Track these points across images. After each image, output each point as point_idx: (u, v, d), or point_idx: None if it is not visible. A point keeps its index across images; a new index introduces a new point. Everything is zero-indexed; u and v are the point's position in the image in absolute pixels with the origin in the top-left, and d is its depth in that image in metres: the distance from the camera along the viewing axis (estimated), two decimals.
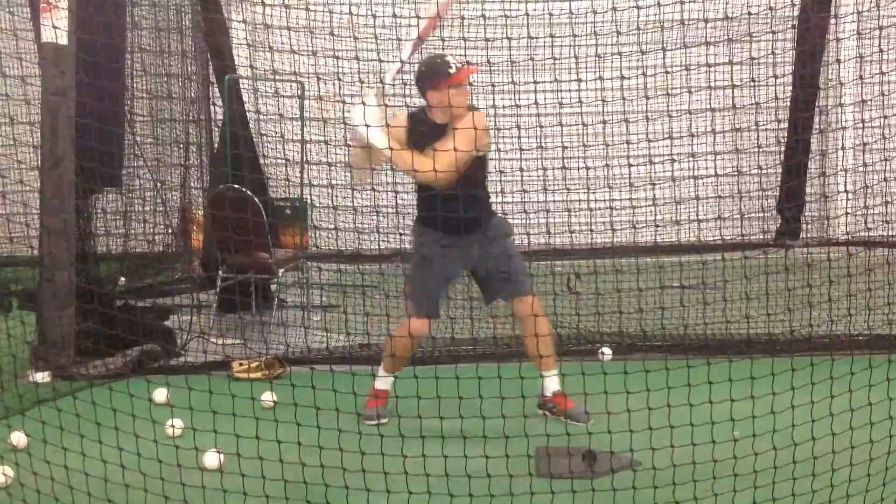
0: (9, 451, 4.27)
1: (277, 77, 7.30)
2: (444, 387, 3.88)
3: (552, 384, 4.84)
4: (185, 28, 7.98)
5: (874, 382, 3.69)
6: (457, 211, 4.41)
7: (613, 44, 4.55)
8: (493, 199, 4.79)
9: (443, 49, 4.64)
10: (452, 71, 4.53)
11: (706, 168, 5.19)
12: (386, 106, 4.31)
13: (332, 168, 5.12)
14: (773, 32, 4.73)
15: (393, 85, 4.48)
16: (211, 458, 4.14)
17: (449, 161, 4.28)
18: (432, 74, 4.57)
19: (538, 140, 4.81)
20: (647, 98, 4.44)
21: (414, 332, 4.70)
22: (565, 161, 4.94)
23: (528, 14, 4.52)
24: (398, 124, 4.66)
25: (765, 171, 7.87)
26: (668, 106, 4.68)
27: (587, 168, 4.79)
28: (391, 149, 4.35)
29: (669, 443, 3.62)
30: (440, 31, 4.47)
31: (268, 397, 4.97)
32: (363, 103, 4.36)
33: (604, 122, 4.62)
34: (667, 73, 4.48)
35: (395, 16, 4.38)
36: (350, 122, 4.40)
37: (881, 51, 4.36)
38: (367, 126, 4.34)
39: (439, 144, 4.37)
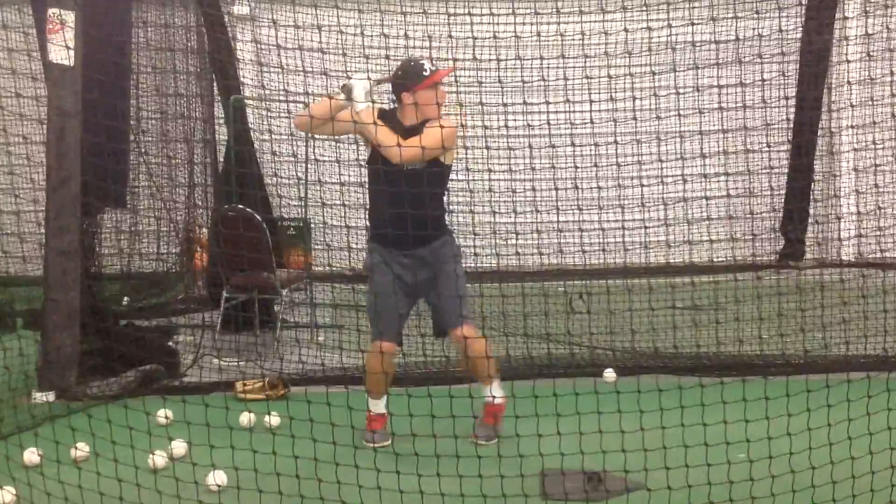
0: (20, 468, 4.23)
1: (281, 97, 7.30)
2: (438, 406, 3.87)
3: (491, 392, 4.75)
4: (190, 48, 7.99)
5: (893, 406, 3.66)
6: (405, 223, 4.47)
7: (625, 65, 4.56)
8: (507, 218, 4.78)
9: (453, 63, 4.66)
10: (427, 73, 4.64)
11: (708, 190, 5.21)
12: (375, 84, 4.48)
13: (336, 188, 5.13)
14: (783, 55, 4.74)
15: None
16: (215, 477, 4.11)
17: (415, 150, 4.45)
18: (408, 78, 4.67)
19: (551, 160, 4.82)
20: (659, 119, 4.45)
21: (375, 351, 4.74)
22: (578, 181, 4.94)
23: (539, 35, 4.54)
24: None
25: (766, 194, 7.92)
26: (679, 127, 4.69)
27: (599, 188, 4.79)
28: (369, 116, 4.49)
29: (684, 462, 3.60)
30: (453, 52, 4.50)
31: (271, 417, 4.93)
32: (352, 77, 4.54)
33: (616, 142, 4.63)
34: (678, 93, 4.49)
35: (406, 36, 4.41)
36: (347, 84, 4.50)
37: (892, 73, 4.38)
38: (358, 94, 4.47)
39: (410, 141, 4.49)
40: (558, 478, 3.91)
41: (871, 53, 5.13)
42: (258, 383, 5.83)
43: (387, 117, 4.74)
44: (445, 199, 4.85)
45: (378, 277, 4.75)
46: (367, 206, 4.81)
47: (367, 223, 4.82)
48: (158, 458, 4.25)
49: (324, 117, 4.51)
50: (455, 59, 4.61)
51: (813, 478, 3.52)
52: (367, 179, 4.79)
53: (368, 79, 4.53)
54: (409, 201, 4.43)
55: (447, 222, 4.86)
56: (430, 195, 4.54)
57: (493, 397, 4.75)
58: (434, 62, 4.69)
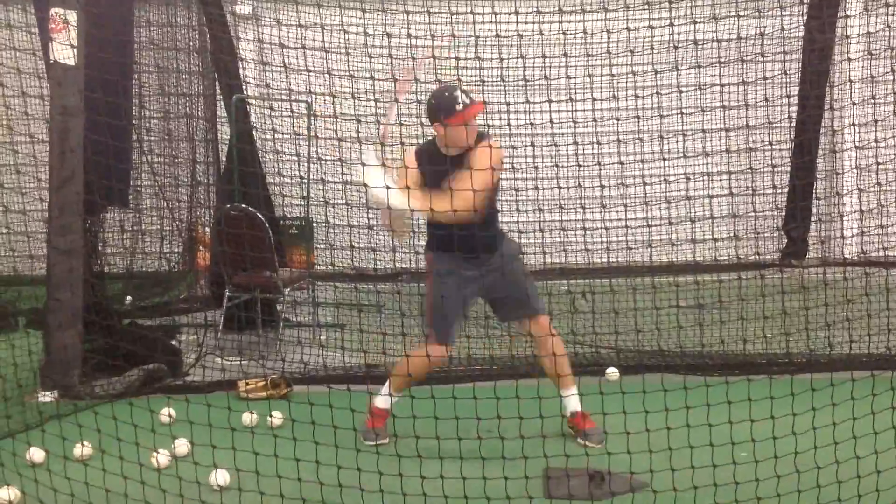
0: (26, 466, 4.23)
1: (285, 96, 7.31)
2: (442, 406, 3.86)
3: (571, 403, 4.77)
4: (192, 47, 8.00)
5: None
6: (473, 234, 4.38)
7: (627, 63, 4.56)
8: (509, 217, 4.76)
9: (457, 68, 4.66)
10: (460, 108, 4.46)
11: (710, 189, 5.21)
12: (384, 165, 4.29)
13: (338, 187, 5.12)
14: (784, 53, 4.74)
15: (390, 143, 4.47)
16: (218, 477, 4.11)
17: (467, 201, 4.27)
18: (440, 110, 4.50)
19: (553, 159, 4.81)
20: (662, 118, 4.45)
21: (433, 358, 4.65)
22: (581, 180, 4.95)
23: (542, 34, 4.53)
24: (409, 164, 4.62)
25: (769, 192, 7.91)
26: (682, 126, 4.68)
27: (602, 186, 4.80)
28: (408, 203, 4.30)
29: (689, 462, 3.60)
30: (455, 52, 4.49)
31: (274, 416, 4.93)
32: (363, 164, 4.30)
33: (619, 140, 4.63)
34: (680, 92, 4.49)
35: (409, 35, 4.41)
36: (370, 191, 4.33)
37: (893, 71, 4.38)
38: (385, 188, 4.28)
39: (456, 182, 4.30)
40: (562, 478, 3.90)
41: (873, 52, 5.12)
42: (261, 382, 5.83)
43: (429, 153, 4.61)
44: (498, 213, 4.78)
45: (446, 280, 4.65)
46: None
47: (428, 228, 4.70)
48: (161, 457, 4.26)
49: (394, 224, 4.44)
50: (458, 59, 4.61)
51: (818, 477, 3.52)
52: None
53: (375, 152, 4.34)
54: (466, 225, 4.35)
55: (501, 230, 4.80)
56: (489, 204, 4.47)
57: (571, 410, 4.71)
58: (468, 93, 4.48)
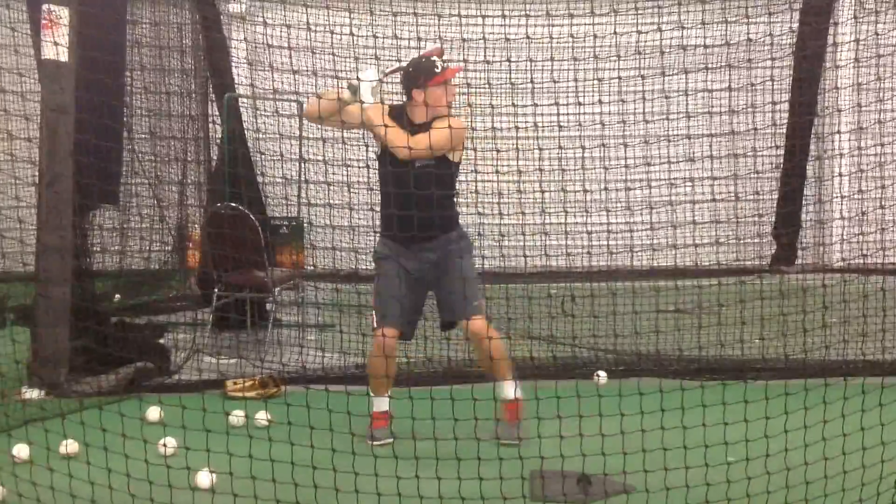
0: (9, 464, 4.24)
1: (276, 96, 7.33)
2: (440, 407, 3.87)
3: (507, 390, 4.81)
4: (185, 46, 8.01)
5: (866, 408, 3.69)
6: (413, 220, 4.52)
7: (613, 68, 4.58)
8: (499, 220, 4.79)
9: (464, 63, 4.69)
10: (438, 70, 4.67)
11: (702, 193, 5.22)
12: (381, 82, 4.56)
13: (331, 188, 5.14)
14: (772, 59, 4.77)
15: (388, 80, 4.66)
16: (203, 478, 4.11)
17: (423, 146, 4.48)
18: (419, 74, 4.70)
19: (537, 163, 4.83)
20: (647, 122, 4.47)
21: (378, 344, 4.70)
22: (564, 184, 4.96)
23: (528, 37, 4.55)
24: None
25: (761, 197, 7.94)
26: (677, 131, 4.70)
27: (585, 191, 4.82)
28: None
29: (663, 466, 3.61)
30: (449, 54, 4.50)
31: (262, 416, 4.93)
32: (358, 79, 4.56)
33: (603, 145, 4.65)
34: (667, 97, 4.51)
35: (395, 37, 4.43)
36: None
37: (879, 79, 4.40)
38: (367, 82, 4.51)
39: (419, 137, 4.53)
40: (557, 478, 3.93)
41: (862, 60, 5.15)
42: (249, 382, 5.84)
43: (395, 114, 4.76)
44: (455, 196, 4.88)
45: (384, 265, 4.84)
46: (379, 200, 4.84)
47: (379, 215, 4.86)
48: (151, 455, 4.24)
49: (331, 110, 4.60)
50: (448, 60, 4.63)
51: (805, 474, 3.53)
52: (377, 175, 4.83)
53: (379, 72, 4.58)
54: (417, 198, 4.52)
55: (458, 219, 4.91)
56: (438, 192, 4.60)
57: (507, 395, 4.78)
58: (445, 60, 4.73)
